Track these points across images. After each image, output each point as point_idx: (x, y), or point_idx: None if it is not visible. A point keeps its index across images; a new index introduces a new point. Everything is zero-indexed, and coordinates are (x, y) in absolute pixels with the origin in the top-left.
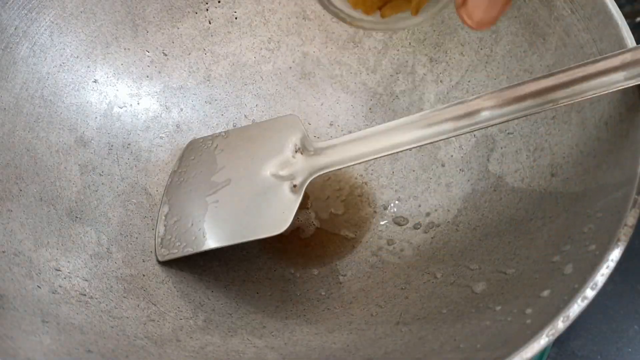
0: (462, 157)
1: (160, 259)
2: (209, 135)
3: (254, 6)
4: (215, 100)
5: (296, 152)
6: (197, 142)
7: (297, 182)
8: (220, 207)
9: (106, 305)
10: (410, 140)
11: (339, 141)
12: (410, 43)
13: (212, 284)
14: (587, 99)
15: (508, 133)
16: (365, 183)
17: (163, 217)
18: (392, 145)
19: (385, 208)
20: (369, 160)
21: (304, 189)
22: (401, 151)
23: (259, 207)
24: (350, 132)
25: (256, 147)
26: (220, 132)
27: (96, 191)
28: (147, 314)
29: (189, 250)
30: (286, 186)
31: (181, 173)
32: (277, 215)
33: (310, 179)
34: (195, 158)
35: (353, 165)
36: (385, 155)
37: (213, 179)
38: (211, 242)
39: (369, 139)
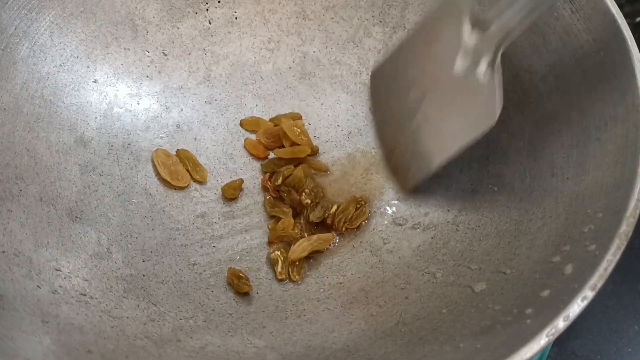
0: (462, 157)
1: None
2: (383, 62)
3: (254, 6)
4: (215, 100)
5: (472, 31)
6: (378, 71)
7: (486, 63)
8: (429, 124)
9: (106, 305)
10: None
11: None
12: None
13: (212, 284)
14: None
15: (508, 133)
16: (366, 183)
17: None
18: None
19: (385, 208)
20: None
21: (498, 66)
22: None
23: (465, 106)
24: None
25: (432, 50)
26: (393, 50)
27: (96, 191)
28: (147, 314)
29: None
30: (480, 72)
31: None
32: (484, 107)
33: (500, 51)
34: (384, 90)
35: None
36: None
37: (410, 99)
38: (436, 162)
39: None
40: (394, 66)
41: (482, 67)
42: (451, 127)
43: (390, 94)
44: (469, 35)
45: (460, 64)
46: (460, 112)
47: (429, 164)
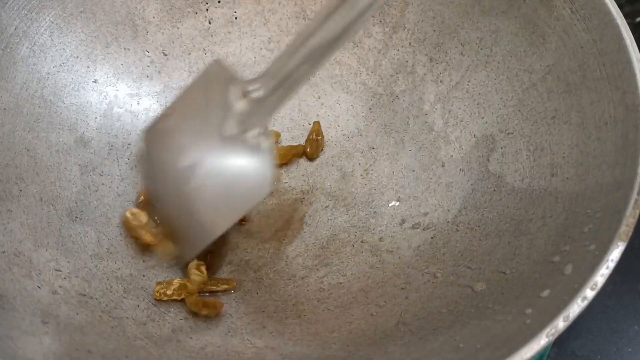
0: (462, 157)
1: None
2: (156, 121)
3: (254, 6)
4: None
5: (241, 99)
6: (152, 129)
7: (258, 131)
8: (203, 193)
9: (106, 305)
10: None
11: (271, 67)
12: (410, 43)
13: None
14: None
15: (508, 133)
16: (365, 184)
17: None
18: (322, 44)
19: (385, 208)
20: (312, 75)
21: (270, 134)
22: (332, 48)
23: (238, 174)
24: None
25: (202, 115)
26: (161, 113)
27: (96, 191)
28: (147, 314)
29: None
30: (251, 141)
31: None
32: (259, 178)
33: (270, 119)
34: (158, 150)
35: (301, 87)
36: (324, 59)
37: (179, 166)
38: (214, 232)
39: (296, 51)
40: (167, 125)
41: (252, 134)
42: (226, 196)
43: (164, 154)
44: (237, 102)
45: (231, 132)
46: (234, 181)
47: (205, 235)
